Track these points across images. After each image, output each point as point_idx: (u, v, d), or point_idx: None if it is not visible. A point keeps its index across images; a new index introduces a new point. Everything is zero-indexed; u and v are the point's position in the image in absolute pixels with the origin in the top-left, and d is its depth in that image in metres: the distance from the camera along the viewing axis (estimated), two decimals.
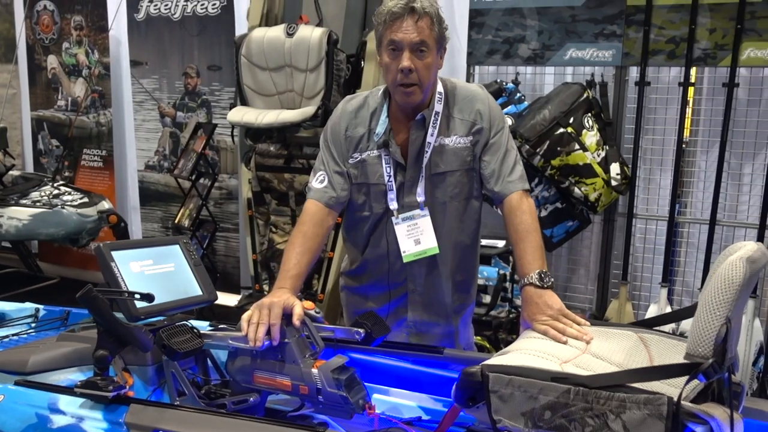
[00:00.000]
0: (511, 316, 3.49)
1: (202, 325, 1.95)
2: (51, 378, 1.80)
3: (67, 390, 1.68)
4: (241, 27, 4.36)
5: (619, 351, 1.53)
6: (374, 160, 2.04)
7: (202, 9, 4.61)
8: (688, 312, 1.54)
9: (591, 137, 3.39)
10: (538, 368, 1.37)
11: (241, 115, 3.62)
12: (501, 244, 3.52)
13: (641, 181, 3.63)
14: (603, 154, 3.42)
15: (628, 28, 3.46)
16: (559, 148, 3.32)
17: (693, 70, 3.43)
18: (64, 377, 1.81)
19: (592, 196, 3.39)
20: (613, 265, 3.71)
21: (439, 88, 2.02)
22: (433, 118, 2.00)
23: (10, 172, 4.82)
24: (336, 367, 1.56)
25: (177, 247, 1.96)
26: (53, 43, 5.40)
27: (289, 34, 3.50)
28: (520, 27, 3.66)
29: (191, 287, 1.92)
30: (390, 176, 2.03)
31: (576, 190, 3.38)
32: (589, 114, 3.41)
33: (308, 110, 3.45)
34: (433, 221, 2.05)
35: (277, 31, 3.55)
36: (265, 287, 3.82)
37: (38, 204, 4.40)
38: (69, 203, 4.42)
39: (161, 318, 1.86)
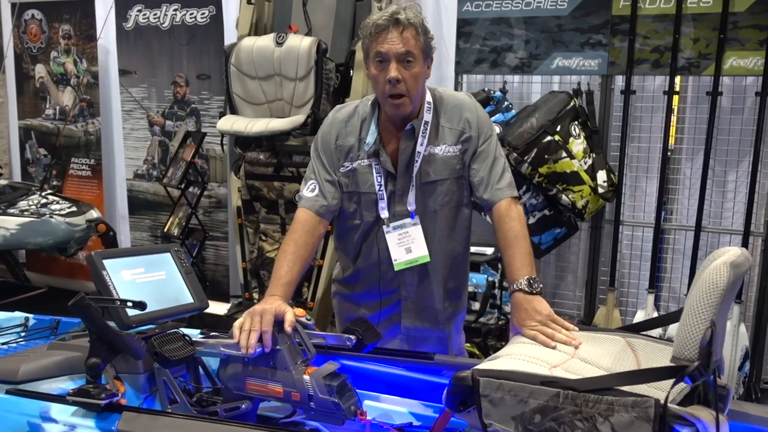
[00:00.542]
0: (500, 323, 3.50)
1: (193, 333, 1.95)
2: (42, 387, 1.79)
3: (60, 398, 1.67)
4: (230, 36, 4.37)
5: (607, 355, 1.56)
6: (365, 170, 2.05)
7: (191, 18, 4.62)
8: (675, 317, 1.56)
9: (578, 145, 3.42)
10: (527, 372, 1.39)
11: (230, 123, 3.62)
12: (490, 251, 3.54)
13: (627, 189, 3.67)
14: (590, 161, 3.45)
15: (614, 37, 3.51)
16: (546, 156, 3.35)
17: (677, 79, 3.49)
18: (56, 386, 1.80)
19: (580, 204, 3.43)
20: (600, 272, 3.75)
21: (428, 97, 2.04)
22: (422, 127, 2.02)
23: None
24: (327, 374, 1.57)
25: (168, 255, 1.96)
26: (41, 52, 5.38)
27: (279, 44, 3.51)
28: (507, 36, 3.70)
29: (182, 295, 1.93)
30: (381, 185, 2.05)
31: (563, 197, 3.41)
32: (576, 122, 3.45)
33: (298, 119, 3.46)
34: (423, 229, 2.07)
35: (267, 41, 3.56)
36: (255, 295, 3.81)
37: (26, 213, 4.38)
38: (57, 212, 4.40)
39: (152, 326, 1.86)
